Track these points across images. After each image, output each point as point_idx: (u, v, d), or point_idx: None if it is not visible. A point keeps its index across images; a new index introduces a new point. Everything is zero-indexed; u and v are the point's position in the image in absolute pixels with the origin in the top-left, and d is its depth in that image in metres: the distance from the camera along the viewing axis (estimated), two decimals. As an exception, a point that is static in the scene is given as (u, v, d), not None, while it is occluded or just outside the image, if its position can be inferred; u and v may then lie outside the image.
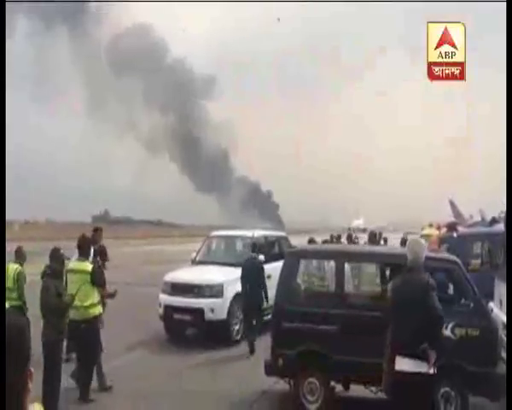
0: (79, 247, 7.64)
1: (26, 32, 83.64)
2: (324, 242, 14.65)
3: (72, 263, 7.58)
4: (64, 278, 7.51)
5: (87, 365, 7.48)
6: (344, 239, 16.51)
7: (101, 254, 9.29)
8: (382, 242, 18.30)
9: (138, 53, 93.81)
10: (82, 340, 7.37)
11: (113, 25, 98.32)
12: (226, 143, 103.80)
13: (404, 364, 4.53)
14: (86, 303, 7.30)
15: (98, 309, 7.58)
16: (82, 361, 7.51)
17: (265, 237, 13.02)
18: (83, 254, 7.59)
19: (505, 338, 6.67)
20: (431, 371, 4.51)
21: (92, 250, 8.15)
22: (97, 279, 7.48)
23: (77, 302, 7.25)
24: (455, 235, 11.54)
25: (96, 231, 9.57)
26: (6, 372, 1.49)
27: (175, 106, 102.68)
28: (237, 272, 11.29)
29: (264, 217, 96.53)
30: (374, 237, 11.74)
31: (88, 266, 7.46)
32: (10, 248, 7.11)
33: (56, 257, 7.28)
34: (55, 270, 7.16)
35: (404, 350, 4.54)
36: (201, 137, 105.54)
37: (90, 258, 7.91)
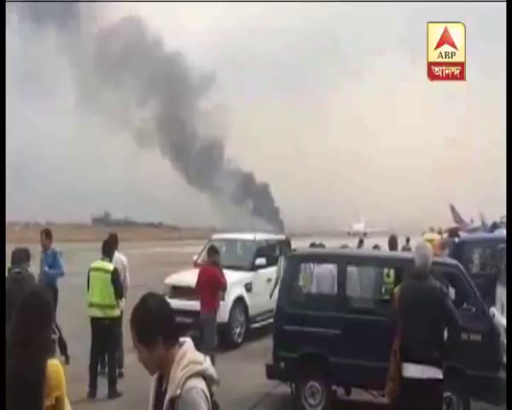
0: (105, 246, 7.77)
1: (14, 25, 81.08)
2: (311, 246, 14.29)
3: (96, 262, 7.70)
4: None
5: (112, 360, 7.61)
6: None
7: None
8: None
9: (132, 46, 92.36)
10: (107, 336, 7.48)
11: (106, 17, 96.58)
12: (221, 136, 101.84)
13: (413, 370, 4.47)
14: (110, 302, 7.44)
15: (119, 310, 7.69)
16: (109, 358, 7.62)
17: (266, 241, 13.01)
18: (107, 255, 7.71)
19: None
20: (440, 376, 4.47)
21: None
22: (115, 281, 7.54)
23: (98, 300, 7.39)
24: (456, 240, 11.51)
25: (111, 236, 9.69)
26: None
27: (171, 101, 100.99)
28: (238, 276, 11.26)
29: (262, 215, 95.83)
30: (394, 242, 11.45)
31: (110, 266, 7.58)
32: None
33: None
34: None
35: (415, 356, 4.47)
36: (197, 132, 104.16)
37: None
